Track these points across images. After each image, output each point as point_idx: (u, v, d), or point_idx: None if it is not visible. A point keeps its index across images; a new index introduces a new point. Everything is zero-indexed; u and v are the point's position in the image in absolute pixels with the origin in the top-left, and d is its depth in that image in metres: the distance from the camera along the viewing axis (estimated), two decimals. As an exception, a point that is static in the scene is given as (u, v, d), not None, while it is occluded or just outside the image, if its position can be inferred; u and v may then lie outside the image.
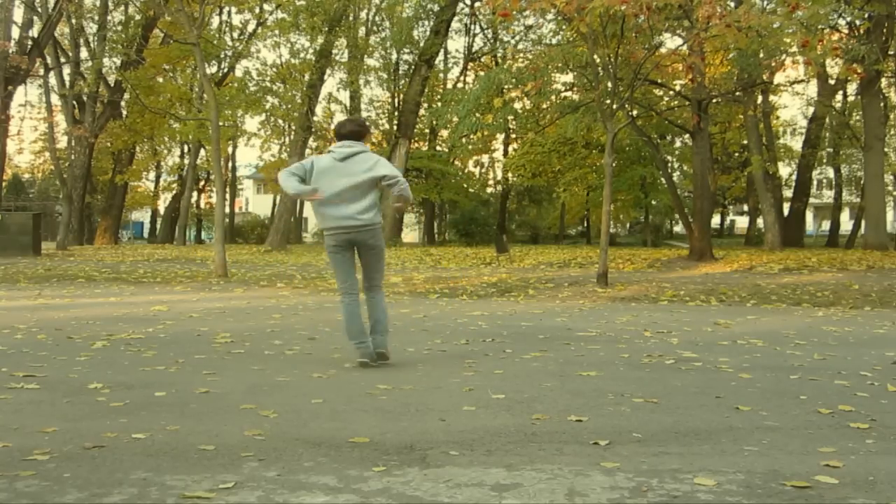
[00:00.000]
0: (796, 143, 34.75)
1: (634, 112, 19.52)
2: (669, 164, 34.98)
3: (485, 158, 42.58)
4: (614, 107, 12.54)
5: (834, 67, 23.73)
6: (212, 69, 28.29)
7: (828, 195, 42.87)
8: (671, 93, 21.97)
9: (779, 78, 26.07)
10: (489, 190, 42.91)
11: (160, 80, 30.43)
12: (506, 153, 38.50)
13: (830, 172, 37.51)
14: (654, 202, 34.59)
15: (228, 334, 6.77)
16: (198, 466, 2.97)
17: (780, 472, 2.88)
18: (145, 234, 49.02)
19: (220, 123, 17.54)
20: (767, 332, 7.24)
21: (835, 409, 3.95)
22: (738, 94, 21.33)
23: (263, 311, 8.57)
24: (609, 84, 12.60)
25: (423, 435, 3.45)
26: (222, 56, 29.55)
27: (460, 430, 3.53)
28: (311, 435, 3.45)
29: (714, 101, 21.39)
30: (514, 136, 36.34)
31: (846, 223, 36.46)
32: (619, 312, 9.02)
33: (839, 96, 30.58)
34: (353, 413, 3.90)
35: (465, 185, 39.05)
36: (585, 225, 44.18)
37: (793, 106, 34.60)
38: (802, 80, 28.18)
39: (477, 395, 4.30)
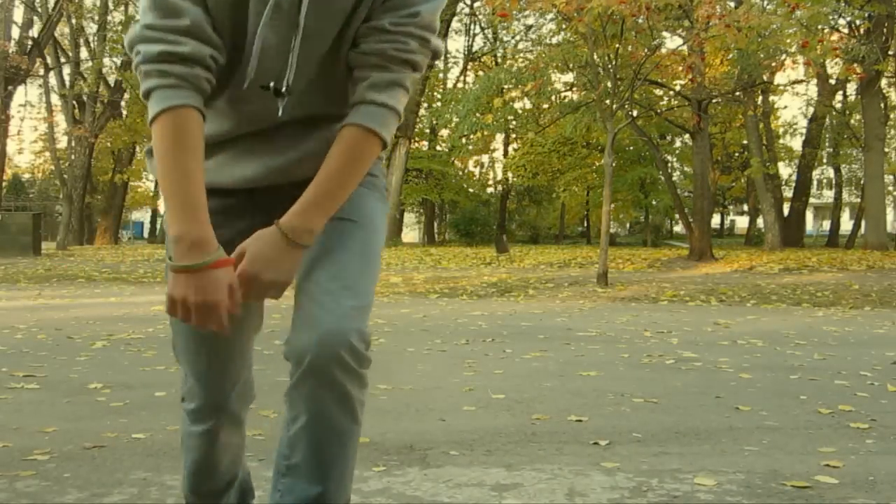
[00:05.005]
0: (796, 144, 34.76)
1: (634, 112, 19.52)
2: (669, 164, 34.99)
3: (485, 158, 42.60)
4: (614, 107, 12.55)
5: (834, 67, 23.75)
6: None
7: (828, 195, 42.84)
8: (671, 93, 21.98)
9: (779, 78, 26.07)
10: (489, 190, 42.91)
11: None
12: (506, 153, 38.50)
13: (830, 172, 37.51)
14: (654, 202, 34.58)
15: (228, 334, 6.74)
16: None
17: (780, 472, 2.88)
18: (146, 234, 48.98)
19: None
20: (767, 332, 7.24)
21: (835, 409, 3.96)
22: (737, 94, 21.33)
23: (266, 309, 8.56)
24: (609, 84, 12.61)
25: (423, 435, 3.44)
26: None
27: (460, 430, 3.53)
28: (311, 435, 3.42)
29: (714, 101, 21.39)
30: (514, 136, 36.35)
31: (846, 223, 36.44)
32: (619, 312, 9.02)
33: (839, 96, 30.59)
34: (353, 413, 3.86)
35: (465, 185, 39.05)
36: (585, 225, 44.16)
37: (793, 106, 34.65)
38: (802, 81, 28.19)
39: (477, 395, 4.30)
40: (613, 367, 5.28)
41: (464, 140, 31.44)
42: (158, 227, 41.62)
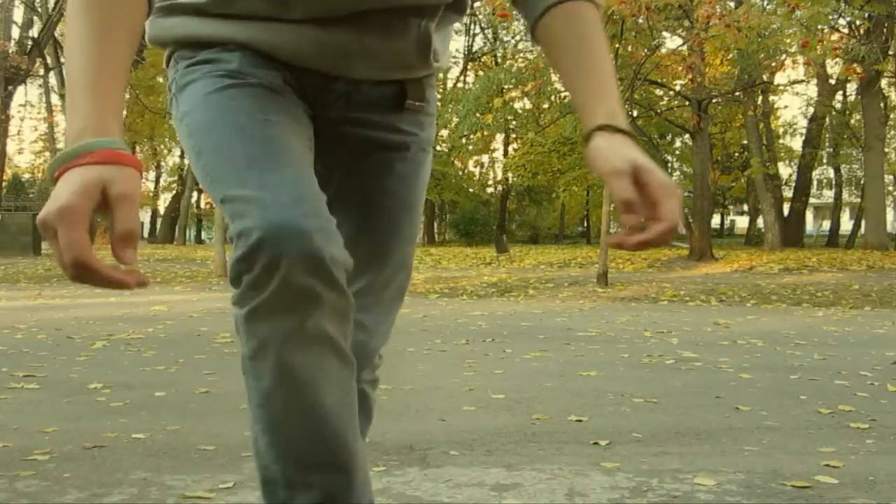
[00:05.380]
0: (796, 144, 34.73)
1: (634, 112, 19.52)
2: (669, 165, 34.99)
3: (485, 158, 42.57)
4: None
5: (834, 67, 23.74)
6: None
7: (828, 195, 42.82)
8: (671, 93, 21.96)
9: (779, 78, 26.06)
10: (489, 190, 42.89)
11: (160, 80, 30.43)
12: (506, 153, 38.49)
13: (830, 172, 37.50)
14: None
15: (228, 334, 6.75)
16: (198, 466, 2.96)
17: (780, 472, 2.88)
18: (145, 234, 49.00)
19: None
20: (767, 332, 7.23)
21: (835, 409, 3.95)
22: (737, 94, 21.32)
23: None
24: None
25: (423, 435, 3.43)
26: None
27: (460, 430, 3.52)
28: (311, 435, 3.42)
29: (714, 101, 21.38)
30: (514, 136, 36.34)
31: (846, 223, 36.43)
32: (619, 312, 9.02)
33: (839, 96, 30.57)
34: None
35: (465, 186, 39.05)
36: (585, 225, 44.17)
37: (793, 106, 34.67)
38: (802, 81, 28.17)
39: (477, 396, 4.30)
40: (613, 367, 5.27)
41: (464, 140, 31.41)
42: (158, 227, 41.58)
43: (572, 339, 6.69)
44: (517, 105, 25.70)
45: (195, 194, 38.41)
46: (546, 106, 23.30)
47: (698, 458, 3.07)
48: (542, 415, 3.83)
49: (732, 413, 3.89)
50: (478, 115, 17.59)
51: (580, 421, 3.70)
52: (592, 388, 4.53)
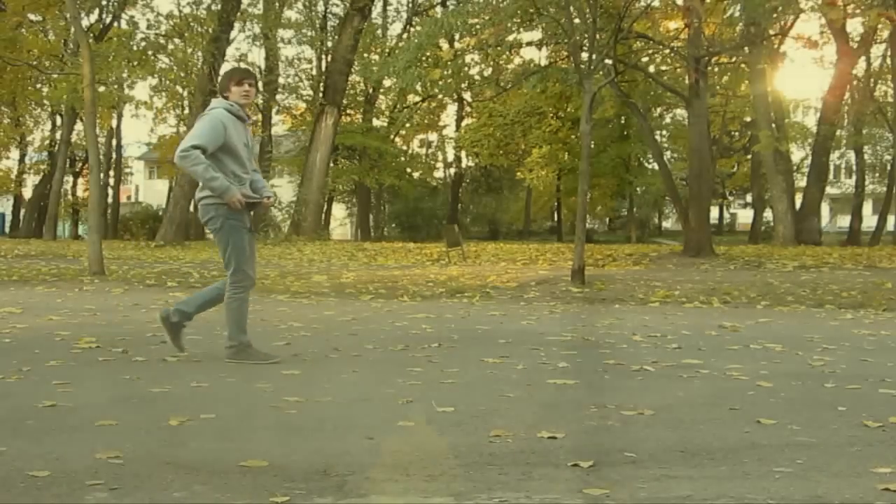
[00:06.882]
0: (809, 121, 34.86)
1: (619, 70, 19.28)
2: (660, 143, 35.10)
3: (433, 137, 42.40)
4: (594, 57, 12.30)
5: (857, 27, 23.93)
6: (91, 18, 27.74)
7: (848, 184, 43.22)
8: (663, 50, 21.71)
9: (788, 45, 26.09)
10: (438, 174, 42.71)
11: (24, 31, 29.63)
12: (458, 127, 38.29)
13: (850, 157, 37.87)
14: (639, 189, 34.63)
15: (94, 339, 6.42)
16: (23, 497, 2.69)
17: (826, 499, 2.69)
18: (6, 228, 47.89)
19: (100, 88, 16.95)
20: (786, 335, 7.11)
21: (885, 422, 3.79)
22: (742, 49, 21.17)
23: (145, 312, 8.27)
24: (586, 34, 12.40)
25: (343, 457, 3.21)
26: (104, 3, 28.94)
27: (393, 451, 3.31)
28: (188, 457, 3.19)
29: (714, 59, 21.17)
30: (468, 109, 36.20)
31: (868, 218, 36.78)
32: (600, 315, 8.86)
33: (861, 63, 30.78)
34: (251, 431, 3.67)
35: (409, 170, 38.83)
36: (556, 219, 44.18)
37: (805, 82, 34.95)
38: (815, 42, 28.21)
39: (417, 408, 4.07)
40: (596, 376, 5.09)
41: (406, 111, 31.14)
42: (22, 217, 40.57)
43: (542, 343, 6.47)
44: (474, 71, 25.36)
45: (70, 178, 37.56)
46: (509, 66, 23.04)
47: (715, 483, 2.89)
48: (502, 431, 3.61)
49: (753, 427, 3.70)
50: (421, 68, 17.07)
51: (554, 438, 3.50)
52: (569, 399, 4.32)
